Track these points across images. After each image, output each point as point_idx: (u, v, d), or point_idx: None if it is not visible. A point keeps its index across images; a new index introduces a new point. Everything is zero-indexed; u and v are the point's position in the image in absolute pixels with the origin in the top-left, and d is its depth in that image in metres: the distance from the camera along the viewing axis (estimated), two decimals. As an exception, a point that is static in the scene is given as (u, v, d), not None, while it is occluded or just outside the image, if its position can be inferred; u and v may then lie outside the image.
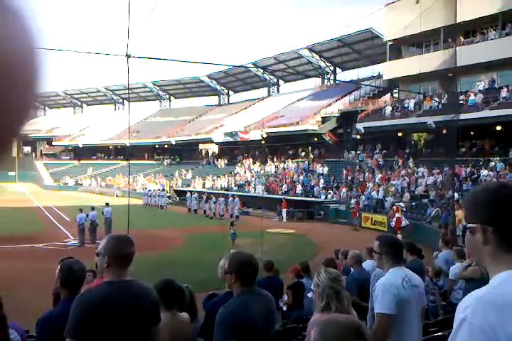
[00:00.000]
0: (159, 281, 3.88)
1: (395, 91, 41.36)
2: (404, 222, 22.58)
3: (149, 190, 41.70)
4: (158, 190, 41.74)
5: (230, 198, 31.72)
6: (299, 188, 34.53)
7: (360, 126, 36.23)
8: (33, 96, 0.53)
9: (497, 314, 1.24)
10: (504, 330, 1.21)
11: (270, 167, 42.72)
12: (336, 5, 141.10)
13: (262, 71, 55.64)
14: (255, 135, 45.16)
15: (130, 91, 66.53)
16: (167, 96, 71.47)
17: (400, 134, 34.10)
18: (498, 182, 1.57)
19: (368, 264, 7.20)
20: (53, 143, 67.79)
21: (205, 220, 31.16)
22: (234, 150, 51.88)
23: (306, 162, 40.43)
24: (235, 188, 40.03)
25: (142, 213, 30.52)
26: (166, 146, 58.80)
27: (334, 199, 31.37)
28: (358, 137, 37.48)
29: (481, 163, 26.60)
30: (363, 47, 44.35)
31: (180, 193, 42.33)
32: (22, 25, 0.50)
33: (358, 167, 34.76)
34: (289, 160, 42.57)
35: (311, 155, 41.94)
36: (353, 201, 28.24)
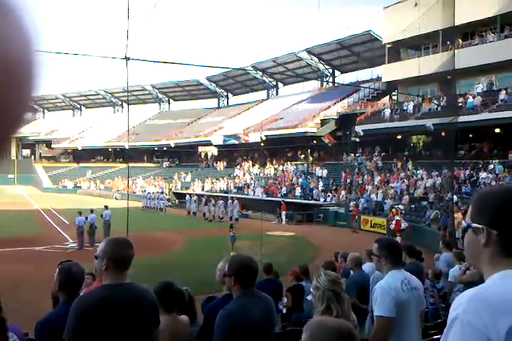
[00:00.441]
0: (158, 284, 3.87)
1: (393, 93, 41.40)
2: (403, 225, 22.58)
3: (148, 193, 41.64)
4: (158, 192, 41.70)
5: (230, 201, 31.70)
6: (298, 191, 34.54)
7: (359, 128, 36.26)
8: (29, 96, 0.52)
9: (488, 311, 1.24)
10: (496, 327, 1.21)
11: (269, 169, 42.72)
12: (335, 7, 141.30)
13: (261, 73, 55.65)
14: (254, 137, 45.13)
15: (129, 94, 66.39)
16: (166, 99, 71.45)
17: (398, 137, 34.14)
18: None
19: (367, 267, 7.20)
20: (52, 146, 67.75)
21: (204, 223, 31.13)
22: (233, 152, 51.85)
23: (305, 164, 40.42)
24: (234, 191, 40.01)
25: (141, 216, 30.49)
26: (165, 149, 58.74)
27: (333, 201, 31.36)
28: (357, 140, 37.51)
29: (480, 165, 26.63)
30: (362, 50, 44.37)
31: (180, 196, 42.28)
32: (19, 25, 0.50)
33: (357, 169, 34.77)
34: (288, 162, 42.59)
35: (310, 158, 41.96)
36: (352, 204, 28.23)
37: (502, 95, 27.83)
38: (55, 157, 70.91)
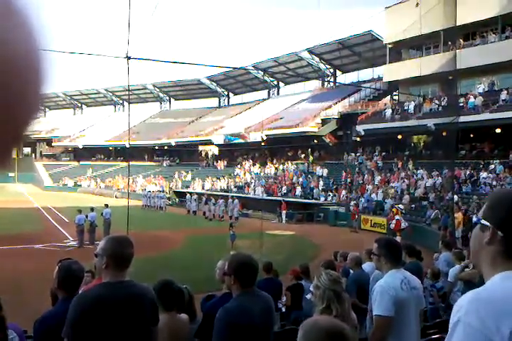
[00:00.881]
0: (158, 282, 3.87)
1: (395, 93, 41.36)
2: (403, 224, 22.58)
3: (149, 192, 41.68)
4: (158, 191, 41.72)
5: (230, 200, 31.72)
6: (298, 190, 34.54)
7: (360, 128, 36.26)
8: (37, 97, 0.53)
9: (490, 313, 1.24)
10: (498, 329, 1.21)
11: (270, 169, 42.72)
12: (336, 7, 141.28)
13: (262, 73, 55.63)
14: (255, 137, 45.15)
15: (130, 93, 66.52)
16: (167, 98, 71.47)
17: (399, 136, 34.14)
18: None
19: (367, 266, 7.21)
20: (53, 144, 67.85)
21: (204, 222, 31.14)
22: (234, 152, 51.86)
23: (306, 164, 40.41)
24: (235, 190, 40.02)
25: (141, 214, 30.51)
26: (165, 148, 58.77)
27: (334, 201, 31.36)
28: (358, 139, 37.51)
29: (481, 165, 26.63)
30: (363, 50, 44.37)
31: (180, 195, 42.31)
32: (26, 26, 0.50)
33: (357, 169, 34.77)
34: (289, 162, 42.58)
35: (311, 157, 41.92)
36: (352, 203, 28.23)
37: (503, 95, 27.82)
38: (55, 155, 70.96)
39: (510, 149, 26.74)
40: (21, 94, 0.50)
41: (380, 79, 42.02)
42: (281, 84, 59.24)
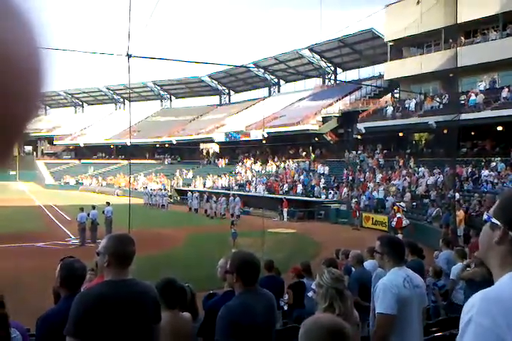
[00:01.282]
0: (161, 280, 3.87)
1: (395, 91, 41.34)
2: (404, 222, 22.57)
3: (150, 190, 41.71)
4: (159, 189, 41.74)
5: (231, 198, 31.72)
6: (299, 188, 34.53)
7: (361, 126, 36.23)
8: (38, 96, 0.53)
9: (501, 311, 1.23)
10: (508, 326, 1.20)
11: (271, 167, 42.71)
12: (337, 5, 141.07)
13: (262, 71, 55.61)
14: (256, 135, 45.17)
15: (131, 91, 66.54)
16: (168, 96, 71.45)
17: (400, 134, 34.09)
18: None
19: (369, 264, 7.20)
20: (54, 143, 67.88)
21: (206, 219, 31.17)
22: (235, 149, 51.90)
23: (307, 162, 40.41)
24: (236, 188, 40.02)
25: (143, 212, 30.50)
26: (166, 146, 58.83)
27: (335, 199, 31.35)
28: (359, 137, 37.49)
29: (482, 163, 26.58)
30: (364, 48, 44.32)
31: (181, 192, 42.34)
32: (26, 25, 0.50)
33: (358, 167, 34.73)
34: (290, 159, 42.56)
35: (312, 155, 41.91)
36: (353, 201, 28.20)
37: (504, 93, 27.75)
38: (56, 153, 71.04)
39: (512, 147, 26.71)
40: (21, 93, 0.51)
41: (380, 77, 41.94)
42: (281, 82, 59.22)
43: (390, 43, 36.78)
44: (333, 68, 51.28)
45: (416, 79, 34.35)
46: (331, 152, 41.59)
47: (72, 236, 21.91)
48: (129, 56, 8.86)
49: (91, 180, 56.95)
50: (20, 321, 4.06)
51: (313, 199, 32.42)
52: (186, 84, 66.05)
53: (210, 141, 52.95)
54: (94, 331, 2.65)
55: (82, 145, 65.45)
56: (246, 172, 43.59)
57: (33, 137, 67.07)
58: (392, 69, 36.58)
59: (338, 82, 49.99)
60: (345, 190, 31.36)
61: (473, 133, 29.48)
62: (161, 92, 70.34)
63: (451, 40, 30.46)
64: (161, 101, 72.37)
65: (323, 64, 50.67)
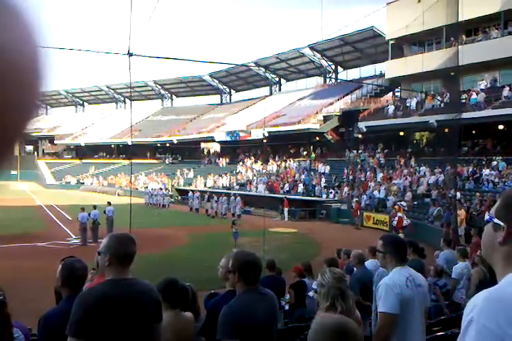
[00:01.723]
0: (163, 280, 3.86)
1: (397, 90, 41.26)
2: (405, 222, 22.55)
3: (151, 189, 41.71)
4: (160, 188, 41.73)
5: (232, 197, 31.70)
6: (300, 187, 34.51)
7: (362, 125, 36.21)
8: (37, 95, 0.53)
9: (504, 312, 1.22)
10: (510, 326, 1.19)
11: (272, 166, 42.69)
12: (338, 4, 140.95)
13: (263, 70, 55.57)
14: (257, 134, 45.15)
15: (132, 90, 66.55)
16: (169, 95, 71.41)
17: (401, 133, 34.06)
18: None
19: (370, 263, 7.19)
20: (55, 142, 67.88)
21: (206, 219, 31.15)
22: (235, 149, 51.88)
23: (308, 161, 40.40)
24: (237, 187, 40.00)
25: (144, 212, 30.54)
26: (167, 145, 58.82)
27: (336, 198, 31.33)
28: (360, 136, 37.47)
29: (483, 162, 26.56)
30: (365, 46, 44.28)
31: (182, 192, 42.32)
32: (25, 23, 0.50)
33: (359, 166, 34.71)
34: (291, 159, 42.55)
35: (313, 154, 41.90)
36: (354, 200, 28.18)
37: (505, 92, 27.72)
38: (57, 153, 71.05)
39: (513, 145, 26.69)
40: (21, 92, 0.51)
41: (381, 75, 41.91)
42: (282, 80, 59.18)
43: (391, 42, 36.78)
44: (334, 67, 51.22)
45: (417, 77, 34.33)
46: (331, 151, 41.56)
47: (73, 236, 21.90)
48: (129, 55, 8.84)
49: (92, 180, 56.97)
50: (22, 321, 4.05)
51: (314, 198, 32.40)
52: (187, 83, 66.02)
53: (211, 140, 52.92)
54: (95, 331, 2.65)
55: (82, 144, 65.46)
56: (247, 172, 43.59)
57: (33, 137, 67.04)
58: (393, 67, 36.55)
59: (339, 80, 49.92)
60: (346, 189, 31.33)
61: (474, 132, 29.46)
62: (162, 91, 70.31)
63: (452, 39, 30.43)
64: (162, 100, 72.34)
65: (324, 62, 50.63)
